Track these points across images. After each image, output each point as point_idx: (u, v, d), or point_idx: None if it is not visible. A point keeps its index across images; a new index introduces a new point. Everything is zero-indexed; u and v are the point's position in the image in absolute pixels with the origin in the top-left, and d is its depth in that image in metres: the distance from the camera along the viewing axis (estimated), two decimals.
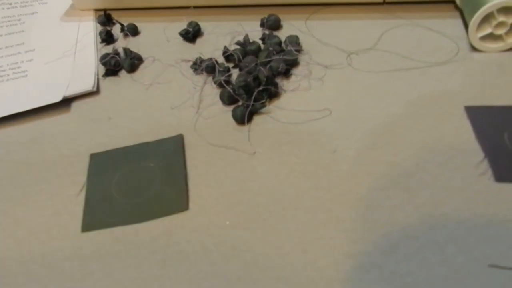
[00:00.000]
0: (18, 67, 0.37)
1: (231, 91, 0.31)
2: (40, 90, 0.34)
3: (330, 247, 0.24)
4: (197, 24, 0.38)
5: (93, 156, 0.30)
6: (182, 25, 0.38)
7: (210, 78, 0.34)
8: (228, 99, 0.31)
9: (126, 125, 0.32)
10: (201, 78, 0.34)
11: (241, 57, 0.34)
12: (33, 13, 0.43)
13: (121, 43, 0.39)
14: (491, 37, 0.32)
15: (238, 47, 0.35)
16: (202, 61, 0.34)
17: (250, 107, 0.30)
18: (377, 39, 0.35)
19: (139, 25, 0.40)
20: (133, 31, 0.39)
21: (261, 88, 0.31)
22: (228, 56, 0.35)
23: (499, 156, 0.26)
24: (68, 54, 0.38)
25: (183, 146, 0.30)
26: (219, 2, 0.40)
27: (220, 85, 0.33)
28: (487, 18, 0.32)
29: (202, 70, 0.34)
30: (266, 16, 0.38)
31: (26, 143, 0.31)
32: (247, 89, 0.31)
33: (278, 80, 0.33)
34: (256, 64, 0.33)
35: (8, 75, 0.36)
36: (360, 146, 0.28)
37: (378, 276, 0.22)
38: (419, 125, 0.29)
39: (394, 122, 0.29)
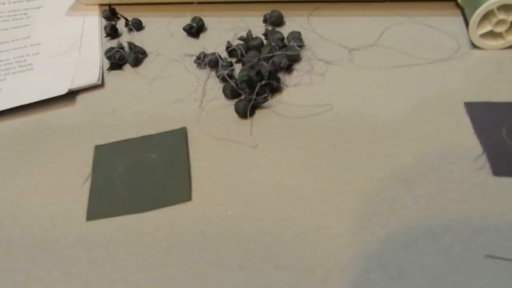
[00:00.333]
0: (24, 60, 0.38)
1: (234, 85, 0.32)
2: (45, 83, 0.35)
3: (330, 237, 0.24)
4: (200, 20, 0.38)
5: (97, 148, 0.30)
6: (186, 20, 0.39)
7: (213, 72, 0.34)
8: (231, 93, 0.32)
9: (130, 118, 0.32)
10: (204, 73, 0.35)
11: (244, 52, 0.35)
12: (38, 7, 0.43)
13: (126, 37, 0.39)
14: (491, 34, 0.33)
15: (241, 42, 0.36)
16: (205, 55, 0.35)
17: (252, 101, 0.31)
18: (379, 36, 0.36)
19: (144, 20, 0.40)
20: (137, 25, 0.40)
21: (263, 82, 0.31)
22: (231, 51, 0.35)
23: (497, 151, 0.27)
24: (74, 48, 0.38)
25: (186, 138, 0.30)
26: None
27: (223, 79, 0.33)
28: (487, 15, 0.32)
29: (205, 64, 0.35)
30: (269, 12, 0.38)
31: (32, 134, 0.32)
32: (250, 84, 0.31)
33: (280, 75, 0.33)
34: (259, 59, 0.33)
35: (14, 68, 0.37)
36: (360, 140, 0.29)
37: (376, 265, 0.23)
38: (419, 120, 0.29)
39: (394, 117, 0.30)
